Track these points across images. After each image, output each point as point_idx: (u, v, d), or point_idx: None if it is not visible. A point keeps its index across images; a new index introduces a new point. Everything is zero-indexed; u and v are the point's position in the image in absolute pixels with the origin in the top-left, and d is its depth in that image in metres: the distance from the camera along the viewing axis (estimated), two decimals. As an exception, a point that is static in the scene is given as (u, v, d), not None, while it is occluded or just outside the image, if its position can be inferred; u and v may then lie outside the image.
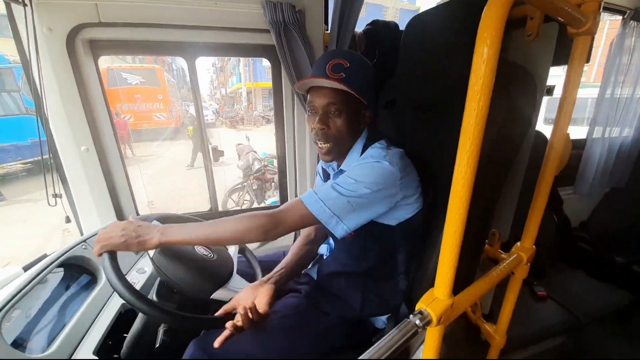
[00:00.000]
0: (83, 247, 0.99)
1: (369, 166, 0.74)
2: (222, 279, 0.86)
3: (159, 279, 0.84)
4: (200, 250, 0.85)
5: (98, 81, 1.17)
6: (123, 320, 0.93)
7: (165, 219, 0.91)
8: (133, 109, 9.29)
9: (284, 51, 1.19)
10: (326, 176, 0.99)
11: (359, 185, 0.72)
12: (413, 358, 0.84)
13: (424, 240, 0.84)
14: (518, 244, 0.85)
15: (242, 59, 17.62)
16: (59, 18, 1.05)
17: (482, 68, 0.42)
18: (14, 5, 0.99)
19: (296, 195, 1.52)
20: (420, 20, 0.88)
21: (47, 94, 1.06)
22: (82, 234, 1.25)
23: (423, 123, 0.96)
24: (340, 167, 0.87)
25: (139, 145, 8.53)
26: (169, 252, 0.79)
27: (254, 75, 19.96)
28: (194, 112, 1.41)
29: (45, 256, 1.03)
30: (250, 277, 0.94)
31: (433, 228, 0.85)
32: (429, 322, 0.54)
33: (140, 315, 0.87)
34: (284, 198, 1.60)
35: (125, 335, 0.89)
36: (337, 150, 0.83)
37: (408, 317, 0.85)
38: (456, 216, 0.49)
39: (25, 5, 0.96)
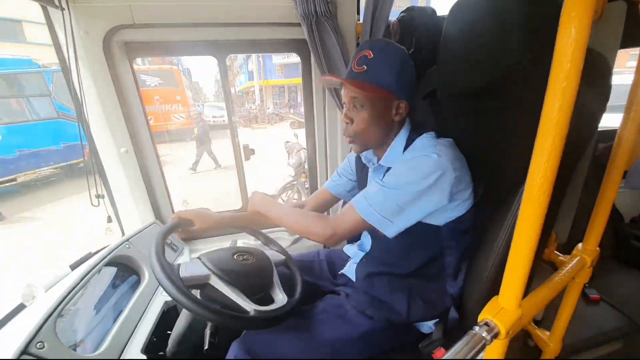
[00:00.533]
0: (127, 246, 1.02)
1: (416, 162, 0.71)
2: (260, 287, 0.80)
3: None
4: (238, 257, 0.81)
5: (134, 83, 1.19)
6: (166, 318, 0.95)
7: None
8: (153, 110, 9.23)
9: (316, 44, 1.15)
10: (360, 167, 0.96)
11: (407, 185, 0.70)
12: None
13: (475, 241, 0.79)
14: (579, 245, 0.78)
15: (253, 55, 17.66)
16: (95, 21, 1.06)
17: (568, 51, 0.37)
18: (51, 10, 1.02)
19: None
20: (465, 4, 0.81)
21: (87, 96, 1.09)
22: (123, 233, 1.29)
23: (468, 114, 0.90)
24: (380, 162, 0.84)
25: (159, 147, 8.71)
26: (214, 260, 0.77)
27: (264, 73, 20.00)
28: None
29: (90, 254, 1.07)
30: (288, 288, 0.89)
31: (483, 228, 0.79)
32: (496, 335, 0.50)
33: (183, 313, 0.88)
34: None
35: (168, 332, 0.91)
36: (364, 144, 0.83)
37: (459, 324, 0.82)
38: (531, 219, 0.44)
39: (62, 9, 0.98)
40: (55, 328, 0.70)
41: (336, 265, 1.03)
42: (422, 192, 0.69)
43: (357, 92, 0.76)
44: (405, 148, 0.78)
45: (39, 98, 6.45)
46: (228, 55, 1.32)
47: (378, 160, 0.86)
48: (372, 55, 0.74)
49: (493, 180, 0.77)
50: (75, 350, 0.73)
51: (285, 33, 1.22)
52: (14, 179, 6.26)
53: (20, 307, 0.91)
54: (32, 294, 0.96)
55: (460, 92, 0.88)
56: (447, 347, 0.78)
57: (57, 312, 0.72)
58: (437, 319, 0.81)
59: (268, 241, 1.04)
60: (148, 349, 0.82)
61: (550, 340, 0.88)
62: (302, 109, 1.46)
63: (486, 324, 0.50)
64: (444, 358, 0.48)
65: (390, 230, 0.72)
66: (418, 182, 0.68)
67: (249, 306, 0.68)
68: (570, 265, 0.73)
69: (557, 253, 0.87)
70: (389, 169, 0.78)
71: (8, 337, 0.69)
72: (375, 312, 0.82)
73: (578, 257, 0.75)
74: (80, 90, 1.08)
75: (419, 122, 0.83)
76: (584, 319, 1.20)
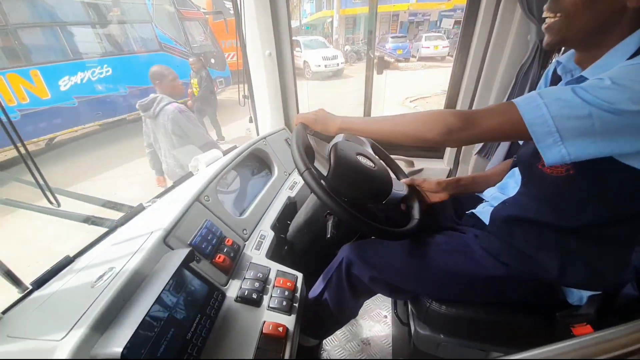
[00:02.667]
0: (264, 143, 1.15)
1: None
2: (382, 193, 0.84)
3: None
4: (363, 160, 0.83)
5: None
6: (287, 210, 1.08)
7: None
8: (231, 45, 7.78)
9: None
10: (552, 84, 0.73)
11: (624, 94, 0.45)
12: None
13: None
14: None
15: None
16: None
17: None
18: None
19: None
20: None
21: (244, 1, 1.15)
22: (258, 133, 1.47)
23: None
24: (582, 74, 0.60)
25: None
26: (339, 159, 0.80)
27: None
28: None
29: (235, 147, 1.26)
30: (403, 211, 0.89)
31: None
32: None
33: (304, 208, 0.97)
34: None
35: (288, 222, 1.04)
36: (563, 33, 0.58)
37: (634, 304, 0.63)
38: None
39: None
40: (216, 189, 0.87)
41: (463, 205, 0.92)
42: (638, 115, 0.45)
43: None
44: (637, 54, 0.51)
45: (140, 26, 5.56)
46: None
47: (582, 69, 0.62)
48: None
49: None
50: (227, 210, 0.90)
51: None
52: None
53: (189, 175, 1.18)
54: (197, 167, 1.23)
55: None
56: (598, 328, 0.63)
57: (218, 178, 0.89)
58: (599, 292, 0.64)
59: (388, 160, 1.00)
60: (274, 228, 0.95)
61: None
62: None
63: None
64: (622, 329, 0.36)
65: (553, 153, 0.51)
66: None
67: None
68: None
69: None
70: None
71: (182, 192, 0.90)
72: (511, 260, 0.70)
73: None
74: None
75: None
76: None
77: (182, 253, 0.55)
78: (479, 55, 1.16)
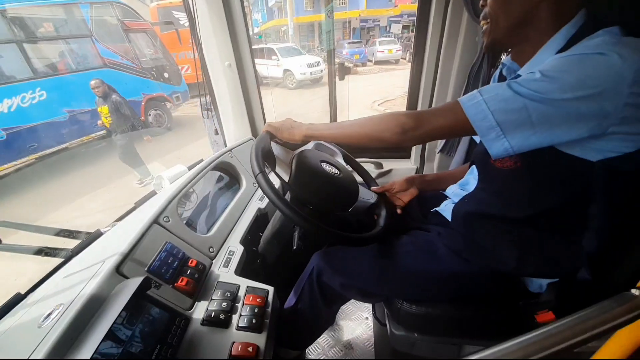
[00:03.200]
0: (230, 155, 1.13)
1: (579, 59, 0.49)
2: (348, 200, 0.84)
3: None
4: (327, 167, 0.84)
5: None
6: (258, 221, 1.06)
7: None
8: (190, 57, 8.06)
9: None
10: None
11: (553, 84, 0.48)
12: None
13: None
14: None
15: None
16: None
17: None
18: None
19: None
20: None
21: (198, 9, 1.13)
22: (225, 144, 1.44)
23: None
24: (519, 72, 0.64)
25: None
26: (302, 166, 0.80)
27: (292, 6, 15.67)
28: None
29: (202, 160, 1.23)
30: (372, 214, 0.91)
31: None
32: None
33: (274, 219, 0.96)
34: None
35: (260, 234, 1.02)
36: (492, 36, 0.64)
37: (589, 289, 0.66)
38: None
39: None
40: (177, 208, 0.84)
41: (428, 203, 0.95)
42: (571, 103, 0.48)
43: None
44: (565, 49, 0.55)
45: (79, 41, 4.89)
46: None
47: (518, 67, 0.66)
48: None
49: None
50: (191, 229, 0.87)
51: None
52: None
53: (152, 194, 1.14)
54: (161, 184, 1.19)
55: None
56: (559, 314, 0.67)
57: (178, 196, 0.86)
58: (556, 279, 0.68)
59: (357, 167, 1.01)
60: (244, 241, 0.93)
61: None
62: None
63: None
64: (580, 315, 0.39)
65: (497, 147, 0.54)
66: (572, 86, 0.47)
67: None
68: None
69: None
70: None
71: (144, 213, 0.86)
72: (472, 256, 0.73)
73: None
74: (193, 5, 1.11)
75: (597, 15, 0.56)
76: None
77: (135, 282, 0.52)
78: (433, 58, 1.21)
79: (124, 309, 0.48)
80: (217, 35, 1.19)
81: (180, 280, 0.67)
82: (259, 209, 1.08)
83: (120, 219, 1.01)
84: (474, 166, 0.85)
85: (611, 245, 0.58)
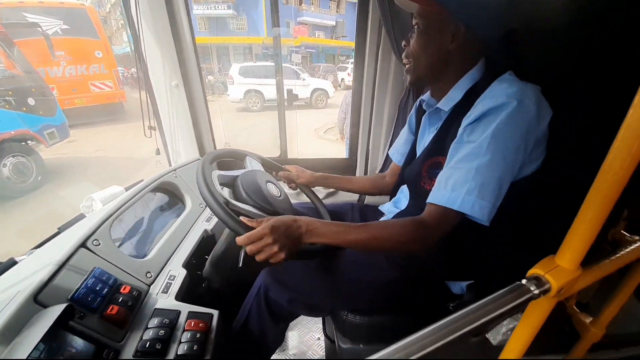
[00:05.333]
0: (174, 175, 1.09)
1: (495, 120, 0.59)
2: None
3: None
4: (271, 187, 0.86)
5: (187, 18, 1.19)
6: (204, 244, 1.02)
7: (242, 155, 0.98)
8: (56, 75, 5.56)
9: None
10: (419, 118, 0.90)
11: (495, 157, 0.60)
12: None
13: (533, 201, 0.71)
14: None
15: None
16: None
17: None
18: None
19: (368, 149, 1.46)
20: None
21: (144, 27, 1.11)
22: (170, 164, 1.38)
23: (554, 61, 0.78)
24: (437, 105, 0.77)
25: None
26: (241, 187, 0.80)
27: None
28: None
29: (141, 181, 1.16)
30: None
31: (544, 187, 0.71)
32: (546, 291, 0.46)
33: (220, 241, 0.93)
34: (353, 152, 1.55)
35: (206, 257, 0.98)
36: (414, 73, 0.76)
37: (497, 288, 0.77)
38: (612, 174, 0.38)
39: None
40: (110, 231, 0.78)
41: (368, 218, 1.02)
42: (518, 153, 0.61)
43: (418, 11, 0.70)
44: (472, 92, 0.68)
45: None
46: None
47: (436, 102, 0.79)
48: None
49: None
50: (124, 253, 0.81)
51: None
52: None
53: (80, 217, 1.03)
54: (91, 206, 1.08)
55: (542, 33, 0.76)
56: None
57: (112, 218, 0.80)
58: (472, 281, 0.78)
59: (303, 188, 1.05)
60: (188, 265, 0.89)
61: (594, 326, 0.82)
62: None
63: (535, 278, 0.47)
64: (480, 302, 0.46)
65: (490, 214, 0.62)
66: (506, 149, 0.60)
67: None
68: (637, 244, 0.65)
69: (624, 233, 0.78)
70: (449, 116, 0.72)
71: (69, 237, 0.78)
72: (405, 263, 0.80)
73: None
74: (138, 23, 1.10)
75: (495, 62, 0.71)
76: (633, 311, 1.09)
77: (55, 311, 0.47)
78: (369, 95, 1.36)
79: (41, 340, 0.43)
80: (163, 54, 1.18)
81: (110, 309, 0.61)
82: (206, 231, 1.04)
83: (40, 245, 0.89)
84: (404, 186, 0.95)
85: (512, 251, 0.70)
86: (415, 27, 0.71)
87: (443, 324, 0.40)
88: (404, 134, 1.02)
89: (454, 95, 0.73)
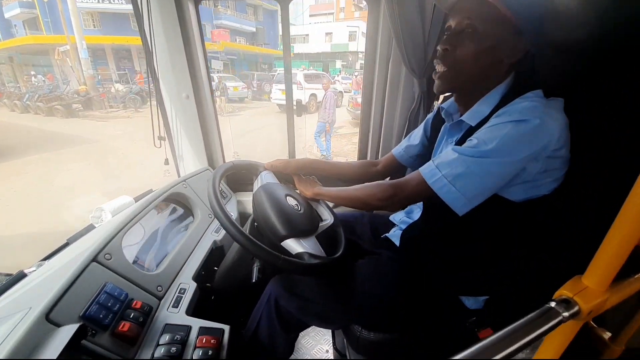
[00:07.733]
0: (184, 186, 1.08)
1: (508, 128, 0.58)
2: (301, 232, 0.82)
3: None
4: (291, 201, 0.85)
5: (198, 29, 1.20)
6: (214, 255, 1.01)
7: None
8: None
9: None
10: (435, 125, 0.87)
11: (494, 159, 0.59)
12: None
13: (552, 219, 0.68)
14: None
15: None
16: None
17: None
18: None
19: (377, 154, 1.46)
20: None
21: (156, 40, 1.13)
22: (179, 175, 1.38)
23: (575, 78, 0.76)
24: (461, 118, 0.72)
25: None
26: (265, 194, 0.81)
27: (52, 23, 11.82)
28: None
29: (151, 191, 1.16)
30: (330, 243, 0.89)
31: (568, 207, 0.69)
32: (575, 314, 0.44)
33: (230, 252, 0.92)
34: (362, 156, 1.54)
35: (215, 268, 0.97)
36: (452, 83, 0.70)
37: (516, 305, 0.75)
38: None
39: None
40: (122, 245, 0.77)
41: (379, 229, 1.00)
42: (513, 167, 0.59)
43: (472, 13, 0.63)
44: (496, 108, 0.65)
45: None
46: (291, 0, 1.25)
47: (461, 115, 0.75)
48: None
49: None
50: (137, 267, 0.80)
51: None
52: None
53: (90, 227, 1.03)
54: (101, 217, 1.08)
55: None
56: (496, 328, 0.74)
57: (123, 231, 0.79)
58: (488, 296, 0.76)
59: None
60: (198, 277, 0.87)
61: (613, 342, 0.79)
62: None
63: (565, 301, 0.45)
64: (509, 328, 0.44)
65: (459, 205, 0.62)
66: (506, 153, 0.58)
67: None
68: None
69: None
70: (470, 128, 0.69)
71: (79, 249, 0.77)
72: (419, 278, 0.78)
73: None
74: (151, 36, 1.11)
75: (526, 76, 0.67)
76: None
77: (68, 331, 0.46)
78: (379, 106, 1.36)
79: (54, 364, 0.42)
80: (175, 67, 1.19)
81: (121, 326, 0.60)
82: (215, 242, 1.03)
83: (48, 257, 0.88)
84: None
85: (527, 267, 0.68)
86: (469, 32, 0.64)
87: (475, 351, 0.38)
88: (418, 136, 0.96)
89: (482, 109, 0.68)
